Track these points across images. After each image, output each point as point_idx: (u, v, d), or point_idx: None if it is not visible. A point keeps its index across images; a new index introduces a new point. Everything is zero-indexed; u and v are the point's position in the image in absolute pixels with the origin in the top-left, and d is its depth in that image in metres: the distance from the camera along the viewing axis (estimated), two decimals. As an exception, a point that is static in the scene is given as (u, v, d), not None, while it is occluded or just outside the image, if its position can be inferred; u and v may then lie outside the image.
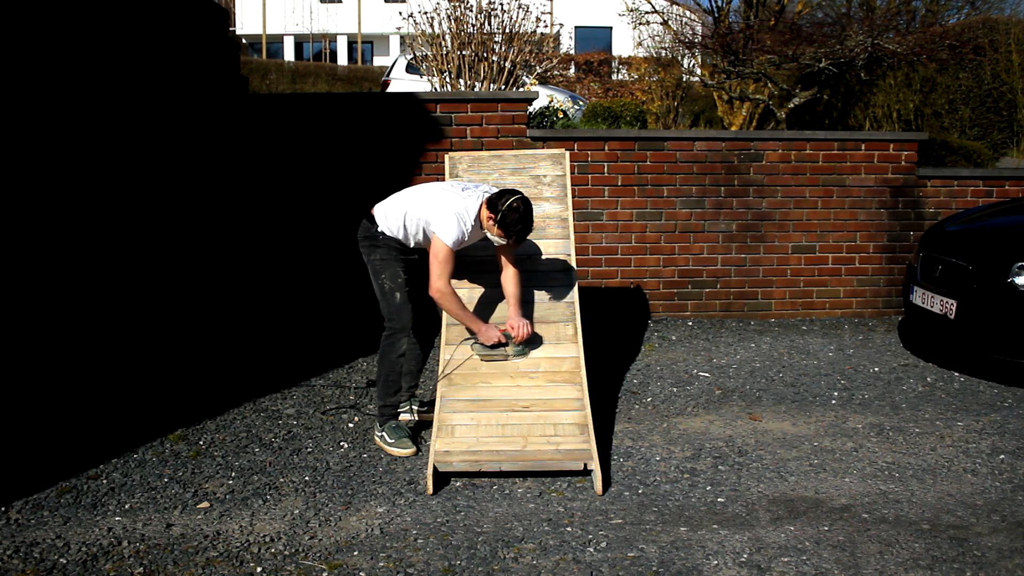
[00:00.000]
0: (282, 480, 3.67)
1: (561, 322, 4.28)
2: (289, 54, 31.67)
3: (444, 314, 4.26)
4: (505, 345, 4.10)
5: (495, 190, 4.03)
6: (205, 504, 3.43)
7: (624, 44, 25.50)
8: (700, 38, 14.32)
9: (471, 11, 8.76)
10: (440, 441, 3.77)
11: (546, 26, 10.59)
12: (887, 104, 12.26)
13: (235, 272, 6.07)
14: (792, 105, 11.24)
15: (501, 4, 8.86)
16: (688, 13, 15.84)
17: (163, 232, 5.29)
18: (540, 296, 4.34)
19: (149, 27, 5.21)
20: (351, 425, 4.35)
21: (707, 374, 5.23)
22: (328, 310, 6.18)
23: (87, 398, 4.48)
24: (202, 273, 5.75)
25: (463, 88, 8.56)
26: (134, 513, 3.35)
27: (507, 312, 4.15)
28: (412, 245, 4.05)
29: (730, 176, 6.45)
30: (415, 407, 4.27)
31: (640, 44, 16.15)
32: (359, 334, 5.98)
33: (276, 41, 32.08)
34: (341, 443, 4.11)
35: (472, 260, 4.29)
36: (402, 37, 15.35)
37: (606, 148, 6.34)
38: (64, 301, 4.43)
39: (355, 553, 3.04)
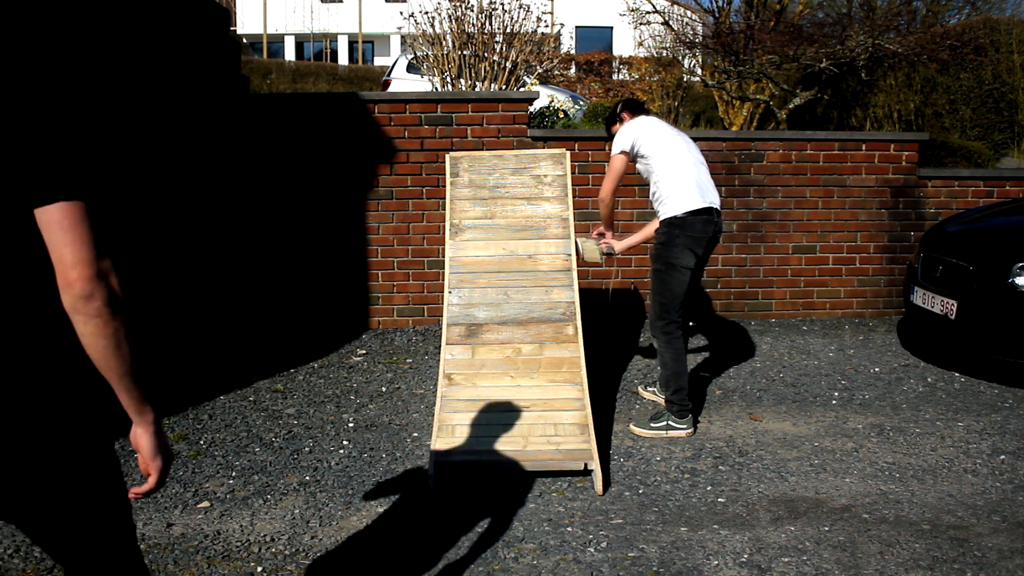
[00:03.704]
0: (282, 480, 3.67)
1: (561, 322, 4.28)
2: (290, 54, 31.67)
3: (445, 315, 4.28)
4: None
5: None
6: (205, 504, 3.43)
7: (625, 44, 25.49)
8: (701, 38, 14.32)
9: (472, 11, 8.77)
10: (440, 441, 3.77)
11: (547, 26, 10.59)
12: (888, 104, 12.25)
13: (236, 269, 6.07)
14: (793, 105, 11.24)
15: (502, 4, 8.86)
16: (689, 13, 15.85)
17: (163, 230, 5.29)
18: (540, 296, 4.34)
19: (150, 26, 5.21)
20: (351, 425, 4.36)
21: (707, 374, 5.23)
22: (328, 306, 6.18)
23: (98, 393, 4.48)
24: (203, 270, 5.75)
25: (464, 88, 8.56)
26: (134, 512, 3.35)
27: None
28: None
29: (731, 176, 6.45)
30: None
31: (641, 44, 16.15)
32: (359, 328, 5.98)
33: (277, 41, 32.09)
34: (341, 443, 4.11)
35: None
36: (403, 37, 15.33)
37: (607, 148, 6.32)
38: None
39: (356, 553, 3.04)
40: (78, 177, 1.37)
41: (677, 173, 4.18)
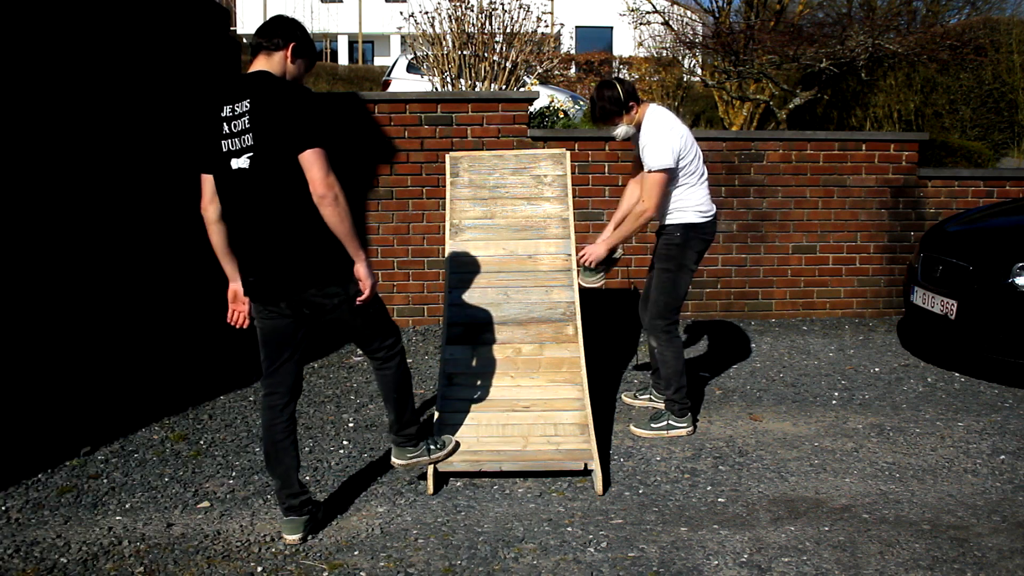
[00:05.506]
0: (282, 480, 3.67)
1: (561, 322, 4.28)
2: (290, 54, 31.61)
3: (445, 315, 4.28)
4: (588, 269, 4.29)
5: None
6: (205, 504, 3.43)
7: (625, 44, 25.50)
8: (701, 38, 14.33)
9: (472, 11, 8.77)
10: (440, 441, 3.76)
11: (547, 26, 10.59)
12: (888, 104, 12.26)
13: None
14: (793, 105, 11.25)
15: (502, 4, 8.86)
16: (689, 13, 15.85)
17: (161, 231, 5.29)
18: (540, 296, 4.34)
19: (150, 26, 5.21)
20: (351, 425, 4.36)
21: (707, 374, 5.23)
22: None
23: (99, 393, 4.48)
24: (202, 269, 5.74)
25: (464, 88, 8.56)
26: (135, 512, 3.35)
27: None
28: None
29: (731, 176, 6.45)
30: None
31: (641, 44, 16.16)
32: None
33: (277, 41, 32.02)
34: (341, 443, 4.11)
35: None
36: (403, 37, 15.34)
37: (607, 148, 6.34)
38: (64, 299, 4.43)
39: (355, 553, 3.04)
40: (318, 138, 2.79)
41: (698, 184, 4.20)
